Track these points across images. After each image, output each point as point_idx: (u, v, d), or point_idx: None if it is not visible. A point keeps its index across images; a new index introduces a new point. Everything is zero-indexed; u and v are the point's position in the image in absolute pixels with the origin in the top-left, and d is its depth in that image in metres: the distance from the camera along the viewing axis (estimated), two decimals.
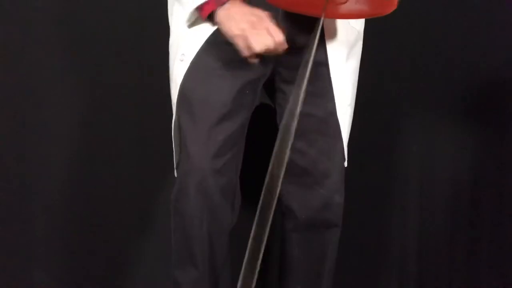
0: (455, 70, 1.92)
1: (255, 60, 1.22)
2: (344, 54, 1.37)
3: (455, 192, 1.97)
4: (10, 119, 1.73)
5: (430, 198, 1.97)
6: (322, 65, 1.33)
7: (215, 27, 1.27)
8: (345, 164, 1.43)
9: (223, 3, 1.22)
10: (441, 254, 1.97)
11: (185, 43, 1.31)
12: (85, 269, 1.81)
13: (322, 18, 1.21)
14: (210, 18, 1.26)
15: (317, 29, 1.20)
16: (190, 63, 1.29)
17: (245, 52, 1.20)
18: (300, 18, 1.29)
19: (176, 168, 1.37)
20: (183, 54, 1.31)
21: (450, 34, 1.91)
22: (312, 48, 1.17)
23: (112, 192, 1.81)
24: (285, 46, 1.21)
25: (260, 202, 1.07)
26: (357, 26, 1.39)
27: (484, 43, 1.91)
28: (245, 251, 1.06)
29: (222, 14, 1.23)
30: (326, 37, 1.33)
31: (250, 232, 1.09)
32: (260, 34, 1.19)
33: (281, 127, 1.23)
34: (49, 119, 1.75)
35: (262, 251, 1.06)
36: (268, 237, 1.05)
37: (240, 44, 1.20)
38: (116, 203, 1.81)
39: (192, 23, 1.30)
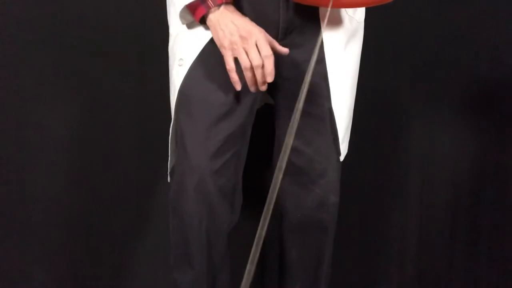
0: (457, 68, 1.92)
1: (238, 86, 1.23)
2: (342, 44, 1.34)
3: (455, 192, 1.97)
4: (9, 119, 1.73)
5: (430, 198, 1.97)
6: (318, 61, 1.31)
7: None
8: (341, 158, 1.41)
9: (211, 8, 1.21)
10: (441, 254, 1.97)
11: (183, 48, 1.30)
12: (85, 269, 1.82)
13: (328, 8, 1.20)
14: (204, 21, 1.25)
15: (321, 32, 1.20)
16: (189, 68, 1.28)
17: (230, 67, 1.22)
18: (301, 8, 1.27)
19: (170, 174, 1.37)
20: (181, 59, 1.30)
21: (452, 32, 1.91)
22: (315, 49, 1.16)
23: (112, 192, 1.81)
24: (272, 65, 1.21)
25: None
26: (357, 16, 1.37)
27: (486, 41, 1.91)
28: (245, 251, 1.06)
29: (213, 19, 1.22)
30: (323, 30, 1.30)
31: (250, 232, 1.09)
32: (249, 50, 1.20)
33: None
34: (49, 121, 1.75)
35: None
36: (267, 237, 1.05)
37: (228, 59, 1.22)
38: (115, 203, 1.81)
39: (190, 24, 1.29)
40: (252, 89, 1.25)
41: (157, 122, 1.60)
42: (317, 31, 1.28)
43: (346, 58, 1.36)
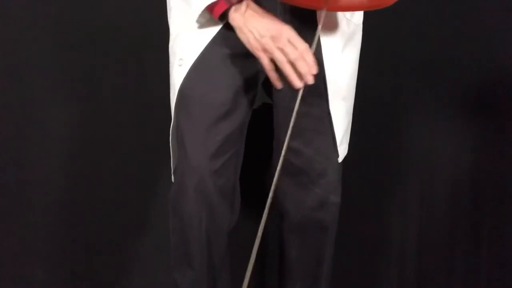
0: (457, 68, 1.92)
1: (279, 84, 1.19)
2: (339, 47, 1.34)
3: (455, 192, 1.97)
4: (9, 119, 1.73)
5: (430, 198, 1.97)
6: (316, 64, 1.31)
7: (215, 31, 1.25)
8: (339, 159, 1.41)
9: (233, 3, 1.19)
10: (441, 254, 1.97)
11: (183, 48, 1.30)
12: (85, 269, 1.81)
13: (324, 11, 1.19)
14: (223, 17, 1.23)
15: (318, 29, 1.19)
16: (189, 69, 1.27)
17: (269, 67, 1.18)
18: (298, 12, 1.27)
19: (173, 173, 1.37)
20: (181, 59, 1.29)
21: (452, 32, 1.91)
22: (313, 45, 1.16)
23: (112, 192, 1.81)
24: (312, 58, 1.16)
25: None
26: (355, 19, 1.37)
27: (486, 41, 1.91)
28: (245, 251, 1.06)
29: (237, 18, 1.19)
30: (320, 32, 1.28)
31: (250, 232, 1.09)
32: (283, 47, 1.15)
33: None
34: (49, 121, 1.75)
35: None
36: (267, 237, 1.05)
37: (265, 61, 1.18)
38: (115, 203, 1.81)
39: (190, 24, 1.28)
40: (296, 83, 1.17)
41: (157, 122, 1.59)
42: (315, 34, 1.28)
43: (344, 61, 1.36)
